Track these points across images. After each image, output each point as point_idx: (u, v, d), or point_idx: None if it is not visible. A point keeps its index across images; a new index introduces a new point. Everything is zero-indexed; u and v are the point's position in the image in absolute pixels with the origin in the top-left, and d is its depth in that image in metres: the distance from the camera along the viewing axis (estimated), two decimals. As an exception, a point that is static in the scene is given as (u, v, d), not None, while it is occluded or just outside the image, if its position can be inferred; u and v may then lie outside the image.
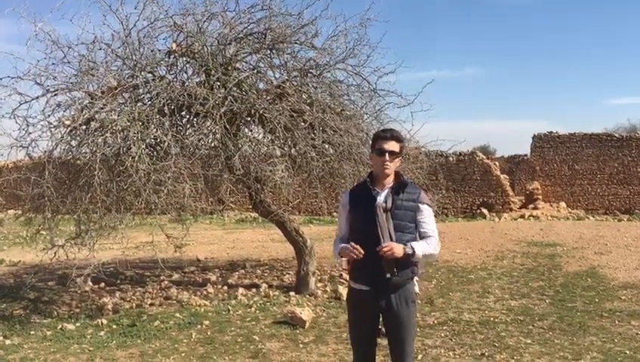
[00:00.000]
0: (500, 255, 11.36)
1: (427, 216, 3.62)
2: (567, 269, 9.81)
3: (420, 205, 3.58)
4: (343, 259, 3.58)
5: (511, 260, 10.77)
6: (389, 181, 3.61)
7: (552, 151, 22.27)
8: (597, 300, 7.64)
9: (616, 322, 6.64)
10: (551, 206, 21.25)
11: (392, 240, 3.44)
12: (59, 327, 6.63)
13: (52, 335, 6.38)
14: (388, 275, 3.45)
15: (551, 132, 22.52)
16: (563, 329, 6.36)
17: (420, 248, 3.50)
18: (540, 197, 21.22)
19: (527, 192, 21.48)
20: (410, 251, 3.44)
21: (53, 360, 5.58)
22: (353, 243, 3.46)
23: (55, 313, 7.30)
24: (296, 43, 7.92)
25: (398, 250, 3.40)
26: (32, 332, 6.50)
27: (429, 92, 7.90)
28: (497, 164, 22.00)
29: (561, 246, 12.25)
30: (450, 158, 20.89)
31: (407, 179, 3.72)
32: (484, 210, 20.20)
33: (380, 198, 3.55)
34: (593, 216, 20.10)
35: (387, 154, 3.54)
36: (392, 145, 3.56)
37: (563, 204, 21.33)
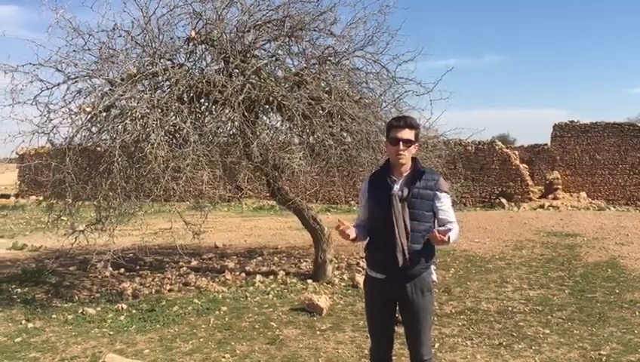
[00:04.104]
0: (519, 245, 11.27)
1: (445, 203, 3.55)
2: (587, 260, 9.71)
3: (437, 193, 3.52)
4: (358, 242, 3.57)
5: (530, 250, 10.69)
6: (406, 168, 3.56)
7: (572, 140, 22.00)
8: (617, 291, 7.56)
9: (637, 313, 6.55)
10: (571, 196, 21.03)
11: (406, 230, 3.41)
12: (80, 311, 6.73)
13: (73, 319, 6.48)
14: (400, 263, 3.43)
15: (572, 121, 22.23)
16: (582, 320, 6.30)
17: (453, 236, 3.38)
18: (560, 187, 21.01)
19: (547, 182, 21.27)
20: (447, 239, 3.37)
21: (74, 344, 5.66)
22: (340, 220, 3.45)
23: (76, 297, 7.41)
24: (314, 30, 7.89)
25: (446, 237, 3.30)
26: (53, 316, 6.61)
27: (448, 80, 7.86)
28: (517, 153, 21.78)
29: (581, 237, 12.12)
30: (469, 147, 20.75)
31: (423, 167, 3.65)
32: (503, 200, 20.05)
33: (396, 187, 3.50)
34: (614, 207, 19.85)
35: (401, 143, 3.48)
36: (407, 134, 3.49)
37: (583, 194, 21.09)
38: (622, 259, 9.67)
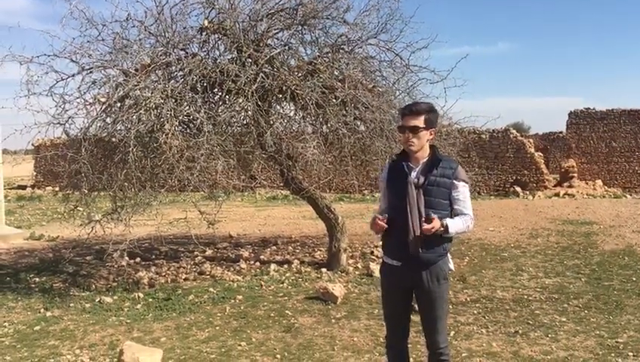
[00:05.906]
0: (534, 233, 11.20)
1: (462, 193, 3.50)
2: (604, 248, 9.63)
3: (454, 181, 3.47)
4: (377, 233, 3.55)
5: (545, 238, 10.62)
6: (423, 156, 3.52)
7: (588, 127, 21.78)
8: (634, 279, 7.49)
9: (655, 301, 6.50)
10: (587, 184, 20.83)
11: (420, 217, 3.38)
12: (97, 300, 6.80)
13: (91, 308, 6.55)
14: (411, 250, 3.40)
15: (588, 108, 21.99)
16: (599, 308, 6.25)
17: (455, 226, 3.43)
18: (576, 175, 20.81)
19: (563, 170, 21.09)
20: (444, 228, 3.39)
21: (92, 332, 5.73)
22: (378, 216, 3.45)
23: (93, 286, 7.49)
24: (327, 18, 7.84)
25: (437, 224, 3.33)
26: (71, 305, 6.69)
27: (462, 67, 7.75)
28: (532, 141, 21.58)
29: (597, 225, 12.02)
30: (484, 136, 20.57)
31: (442, 155, 3.61)
32: (518, 188, 19.90)
33: (413, 174, 3.47)
34: (631, 195, 19.65)
35: (407, 130, 3.46)
36: (412, 121, 3.45)
37: (599, 182, 20.88)
38: (638, 247, 9.58)
